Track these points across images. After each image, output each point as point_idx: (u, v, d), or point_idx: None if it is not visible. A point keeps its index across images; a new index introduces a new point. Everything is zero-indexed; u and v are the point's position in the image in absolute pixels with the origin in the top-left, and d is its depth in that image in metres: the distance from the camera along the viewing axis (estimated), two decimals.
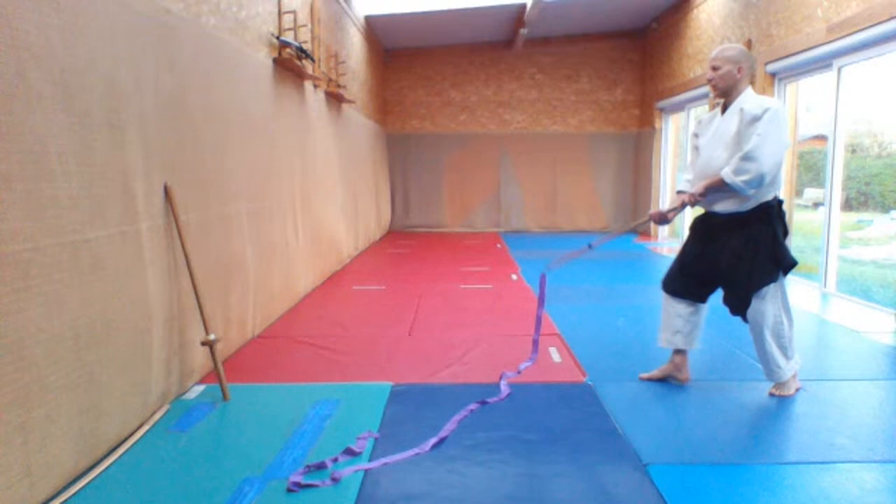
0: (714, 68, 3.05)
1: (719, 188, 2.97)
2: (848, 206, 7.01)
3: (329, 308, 5.18)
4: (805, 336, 4.53)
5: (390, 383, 3.31)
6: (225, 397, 3.11)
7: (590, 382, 3.34)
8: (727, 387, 3.27)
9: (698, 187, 3.07)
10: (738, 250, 3.02)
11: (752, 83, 3.23)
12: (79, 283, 2.34)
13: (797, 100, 6.66)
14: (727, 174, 2.91)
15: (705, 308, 3.30)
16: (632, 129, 11.43)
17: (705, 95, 8.23)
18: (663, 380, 3.36)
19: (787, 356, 3.09)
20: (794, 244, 6.93)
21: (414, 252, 8.78)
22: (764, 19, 6.63)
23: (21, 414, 2.04)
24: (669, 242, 9.84)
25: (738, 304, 3.09)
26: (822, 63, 5.76)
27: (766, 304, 3.03)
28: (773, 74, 6.59)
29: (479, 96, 11.62)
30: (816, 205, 7.34)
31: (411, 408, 3.01)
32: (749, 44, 6.91)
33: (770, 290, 3.03)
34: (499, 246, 9.34)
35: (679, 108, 9.70)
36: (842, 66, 5.52)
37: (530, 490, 2.26)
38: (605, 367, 3.55)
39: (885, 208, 7.19)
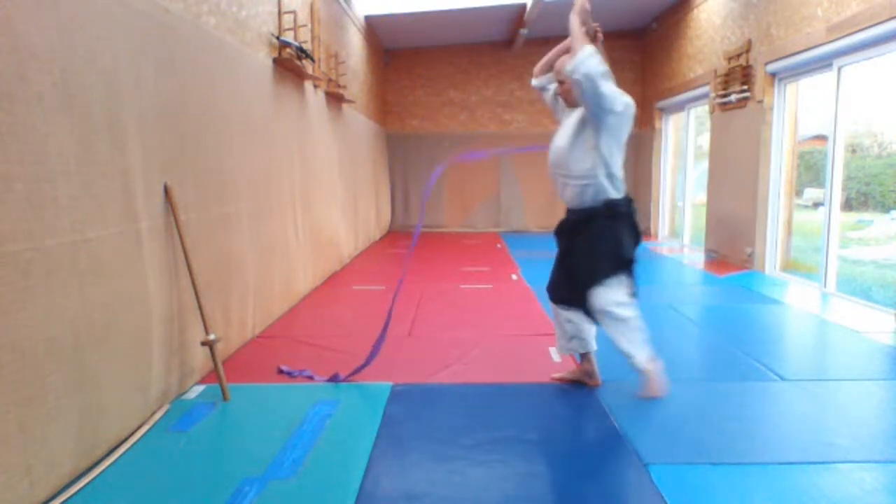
0: (560, 82, 3.11)
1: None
2: (848, 206, 7.01)
3: (329, 308, 5.18)
4: (805, 336, 4.53)
5: (390, 383, 3.31)
6: (225, 397, 3.11)
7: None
8: (727, 387, 3.27)
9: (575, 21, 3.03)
10: (583, 248, 3.07)
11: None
12: (79, 283, 2.34)
13: (797, 100, 6.66)
14: (567, 68, 2.86)
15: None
16: (632, 129, 11.42)
17: (705, 95, 8.23)
18: (576, 382, 3.33)
19: (638, 349, 3.06)
20: (795, 244, 6.93)
21: (414, 252, 8.78)
22: (764, 19, 6.63)
23: (21, 414, 2.04)
24: (669, 242, 9.84)
25: (577, 298, 3.10)
26: (822, 63, 5.76)
27: (602, 295, 3.02)
28: (773, 74, 6.59)
29: (479, 96, 11.62)
30: (816, 205, 7.34)
31: (411, 408, 3.01)
32: (749, 44, 6.91)
33: (608, 284, 3.02)
34: (499, 246, 9.34)
35: (679, 108, 9.69)
36: (842, 66, 5.52)
37: (530, 490, 2.26)
38: (605, 367, 3.55)
39: (885, 208, 7.19)
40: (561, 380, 3.37)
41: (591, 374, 3.31)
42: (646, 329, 3.11)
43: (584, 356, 3.32)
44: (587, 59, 2.81)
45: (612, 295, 3.02)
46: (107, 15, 2.61)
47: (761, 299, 5.44)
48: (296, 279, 5.33)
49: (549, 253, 9.13)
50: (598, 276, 3.02)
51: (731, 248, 7.46)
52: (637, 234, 3.10)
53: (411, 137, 11.67)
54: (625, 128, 2.99)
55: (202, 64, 3.53)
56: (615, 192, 3.02)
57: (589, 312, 3.13)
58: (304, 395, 3.14)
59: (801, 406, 3.03)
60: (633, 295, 3.09)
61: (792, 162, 6.76)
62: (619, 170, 3.02)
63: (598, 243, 3.02)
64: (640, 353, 3.06)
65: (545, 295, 5.59)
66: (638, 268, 3.10)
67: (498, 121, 11.63)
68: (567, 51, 3.13)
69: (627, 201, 3.07)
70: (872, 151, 7.17)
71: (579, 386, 3.31)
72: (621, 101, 2.91)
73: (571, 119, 3.10)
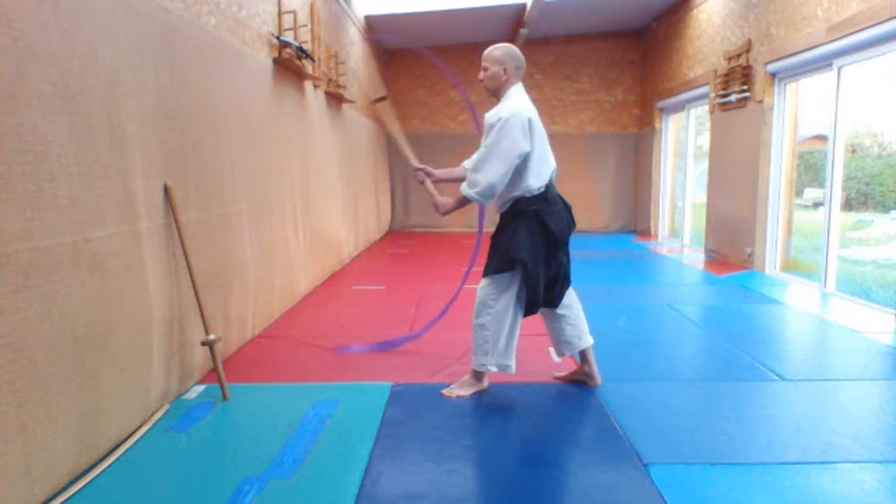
0: (483, 68, 3.10)
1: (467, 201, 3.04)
2: (848, 206, 7.00)
3: (329, 308, 5.18)
4: (805, 336, 4.53)
5: (390, 383, 3.31)
6: (225, 397, 3.11)
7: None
8: (727, 387, 3.27)
9: (449, 201, 3.20)
10: (491, 242, 3.16)
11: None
12: (79, 283, 2.34)
13: (797, 100, 6.67)
14: (464, 188, 3.01)
15: (555, 312, 3.23)
16: (632, 129, 11.43)
17: (705, 95, 8.23)
18: (576, 382, 3.34)
19: (484, 348, 3.08)
20: (795, 244, 6.94)
21: (414, 252, 8.78)
22: (764, 19, 6.63)
23: (21, 414, 2.04)
24: (669, 242, 9.84)
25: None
26: (822, 63, 5.76)
27: (485, 286, 3.09)
28: (773, 74, 6.59)
29: (480, 96, 11.60)
30: (816, 205, 7.34)
31: (411, 408, 3.01)
32: (749, 44, 6.91)
33: (495, 279, 3.06)
34: None
35: (679, 108, 9.70)
36: (842, 66, 5.52)
37: (530, 490, 2.26)
38: (605, 367, 3.55)
39: (885, 208, 7.18)
40: (562, 380, 3.37)
41: (590, 375, 3.31)
42: (505, 344, 3.09)
43: (583, 356, 3.32)
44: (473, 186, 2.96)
45: (486, 293, 3.08)
46: (107, 15, 2.61)
47: (761, 299, 5.44)
48: (296, 279, 5.33)
49: None
50: (492, 267, 3.08)
51: (731, 248, 7.46)
52: (553, 239, 3.06)
53: (411, 137, 11.61)
54: (512, 140, 2.96)
55: (202, 64, 3.53)
56: (530, 193, 3.02)
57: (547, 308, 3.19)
58: (304, 395, 3.14)
59: (801, 406, 3.03)
60: (528, 304, 3.09)
61: (792, 162, 6.76)
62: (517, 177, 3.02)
63: (501, 239, 3.09)
64: (484, 356, 3.09)
65: None
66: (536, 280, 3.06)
67: None
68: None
69: (542, 199, 3.03)
70: (872, 151, 7.17)
71: (579, 386, 3.31)
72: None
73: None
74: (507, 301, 3.08)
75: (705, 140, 8.87)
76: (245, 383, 3.33)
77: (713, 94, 7.78)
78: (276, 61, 4.89)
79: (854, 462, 2.45)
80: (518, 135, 2.92)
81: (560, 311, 3.22)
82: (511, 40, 10.86)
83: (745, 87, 6.94)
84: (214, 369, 3.19)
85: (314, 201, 6.04)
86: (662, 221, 10.48)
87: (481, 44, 11.51)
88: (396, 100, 11.63)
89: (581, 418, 2.90)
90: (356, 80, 8.71)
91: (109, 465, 2.42)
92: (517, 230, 3.01)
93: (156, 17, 3.02)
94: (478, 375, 3.19)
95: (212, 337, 3.18)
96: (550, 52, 11.41)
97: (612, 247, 9.33)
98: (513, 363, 3.11)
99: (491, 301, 3.08)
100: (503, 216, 3.14)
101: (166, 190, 3.06)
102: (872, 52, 5.15)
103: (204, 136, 3.52)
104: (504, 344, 3.09)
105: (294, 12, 5.20)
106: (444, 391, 3.19)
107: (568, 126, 11.53)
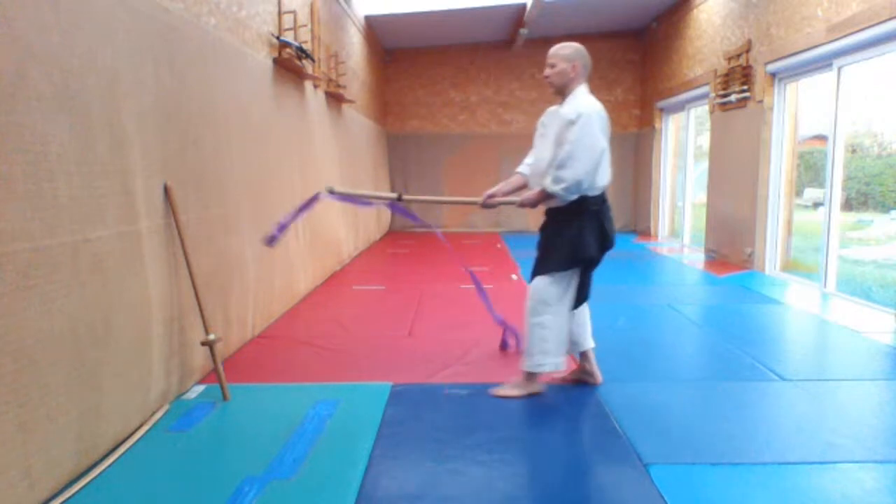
0: (550, 65, 3.09)
1: (548, 196, 3.03)
2: (848, 206, 7.01)
3: (329, 308, 5.18)
4: (805, 336, 4.53)
5: (390, 383, 3.31)
6: (225, 397, 3.11)
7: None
8: (727, 387, 3.27)
9: (531, 196, 3.13)
10: (545, 238, 3.13)
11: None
12: (79, 283, 2.34)
13: (797, 100, 6.66)
14: (548, 185, 2.98)
15: (582, 309, 3.25)
16: (632, 129, 11.43)
17: (705, 95, 8.23)
18: (577, 382, 3.34)
19: (543, 347, 3.08)
20: (795, 244, 6.94)
21: (414, 252, 8.78)
22: (764, 19, 6.63)
23: (21, 414, 2.04)
24: (669, 242, 9.84)
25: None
26: (822, 63, 5.76)
27: (541, 284, 3.07)
28: (773, 74, 6.59)
29: (479, 96, 11.62)
30: (816, 205, 7.34)
31: (411, 408, 3.01)
32: (749, 44, 6.91)
33: (555, 278, 3.05)
34: (499, 246, 9.34)
35: (679, 108, 9.70)
36: (842, 66, 5.52)
37: (530, 490, 2.26)
38: (605, 367, 3.55)
39: (885, 208, 7.19)
40: (563, 380, 3.37)
41: (590, 373, 3.31)
42: (560, 341, 3.10)
43: (583, 355, 3.32)
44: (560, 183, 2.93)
45: (546, 292, 3.06)
46: (107, 15, 2.61)
47: (761, 299, 5.44)
48: (296, 279, 5.33)
49: None
50: (549, 266, 3.06)
51: (731, 248, 7.46)
52: (606, 238, 3.09)
53: (411, 137, 11.67)
54: (596, 136, 2.96)
55: (202, 64, 3.53)
56: (594, 192, 3.02)
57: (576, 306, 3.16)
58: (304, 395, 3.14)
59: (801, 406, 3.03)
60: (576, 302, 3.11)
61: (792, 162, 6.76)
62: (600, 174, 3.02)
63: (559, 237, 3.06)
64: (541, 356, 3.08)
65: None
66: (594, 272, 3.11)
67: (498, 121, 11.63)
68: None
69: (601, 201, 3.06)
70: (872, 151, 7.17)
71: (579, 386, 3.31)
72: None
73: (551, 127, 3.13)
74: (569, 298, 3.09)
75: (705, 140, 8.87)
76: (245, 383, 3.33)
77: (713, 94, 7.78)
78: (276, 61, 4.89)
79: (854, 462, 2.45)
80: (598, 130, 2.95)
81: (576, 311, 3.23)
82: (511, 40, 10.87)
83: (745, 87, 6.94)
84: (214, 369, 3.19)
85: None
86: (662, 221, 10.48)
87: (481, 44, 11.48)
88: (396, 100, 11.64)
89: (581, 418, 2.90)
90: (356, 79, 8.71)
91: (109, 465, 2.42)
92: (582, 228, 3.01)
93: (156, 17, 3.02)
94: (531, 376, 3.16)
95: (212, 337, 3.18)
96: None
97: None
98: (563, 360, 3.14)
99: (553, 299, 3.06)
100: (558, 213, 3.09)
101: (166, 190, 3.06)
102: (872, 52, 5.15)
103: (204, 136, 3.52)
104: (562, 341, 3.11)
105: (294, 12, 5.20)
106: (494, 391, 3.17)
107: None
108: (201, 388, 3.26)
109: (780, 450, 2.56)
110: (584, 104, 2.98)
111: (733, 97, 7.16)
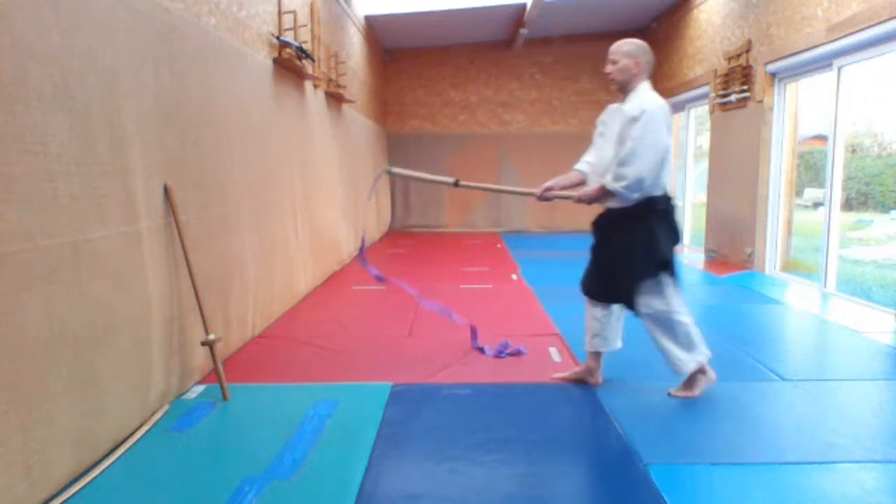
0: (612, 62, 3.06)
1: (608, 192, 2.99)
2: (848, 206, 7.01)
3: (329, 308, 5.18)
4: (805, 336, 4.53)
5: (390, 383, 3.31)
6: (225, 397, 3.11)
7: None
8: (727, 387, 3.27)
9: (589, 192, 3.09)
10: (620, 247, 3.06)
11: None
12: (79, 283, 2.34)
13: (797, 100, 6.66)
14: (609, 182, 2.95)
15: (619, 309, 3.25)
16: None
17: (705, 95, 8.23)
18: (577, 382, 3.33)
19: (685, 349, 3.06)
20: (795, 244, 6.94)
21: (414, 252, 8.78)
22: (764, 19, 6.63)
23: (21, 414, 2.04)
24: None
25: (621, 298, 3.12)
26: (822, 63, 5.75)
27: (647, 298, 3.04)
28: (773, 74, 6.59)
29: (479, 96, 11.61)
30: (816, 205, 7.34)
31: (411, 408, 3.00)
32: (749, 44, 6.91)
33: (652, 286, 3.02)
34: (499, 246, 9.34)
35: (679, 108, 9.69)
36: (842, 66, 5.52)
37: (530, 490, 2.25)
38: (605, 367, 3.55)
39: (885, 208, 7.19)
40: (563, 380, 3.36)
41: (592, 372, 3.30)
42: (693, 332, 3.08)
43: (598, 355, 3.30)
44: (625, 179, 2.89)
45: (655, 302, 3.03)
46: (107, 15, 2.61)
47: (761, 299, 5.44)
48: (296, 279, 5.33)
49: (549, 253, 9.10)
50: (638, 276, 3.00)
51: (731, 248, 7.46)
52: (676, 236, 3.06)
53: (411, 137, 11.66)
54: (659, 133, 2.91)
55: (202, 64, 3.53)
56: (658, 192, 2.97)
57: (630, 307, 3.13)
58: (304, 395, 3.14)
59: (801, 406, 3.03)
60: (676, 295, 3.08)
61: (792, 162, 6.76)
62: (663, 172, 2.98)
63: (635, 243, 2.99)
64: (688, 353, 3.06)
65: (545, 295, 5.61)
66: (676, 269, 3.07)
67: (498, 121, 11.63)
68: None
69: (666, 199, 3.02)
70: (872, 151, 7.17)
71: (579, 386, 3.30)
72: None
73: (612, 124, 3.08)
74: (673, 289, 3.05)
75: (705, 140, 8.87)
76: (245, 383, 3.33)
77: (713, 94, 7.78)
78: (276, 61, 4.88)
79: (854, 462, 2.45)
80: (662, 127, 2.90)
81: (615, 309, 3.24)
82: (511, 40, 10.86)
83: (745, 87, 6.93)
84: (214, 369, 3.19)
85: (314, 201, 6.04)
86: None
87: (481, 44, 11.47)
88: (396, 100, 11.64)
89: (581, 418, 2.89)
90: (356, 79, 8.71)
91: (109, 465, 2.42)
92: (653, 230, 2.97)
93: (156, 17, 3.02)
94: (696, 375, 3.13)
95: (212, 337, 3.18)
96: (550, 52, 11.41)
97: None
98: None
99: (665, 301, 3.03)
100: (624, 215, 3.03)
101: (166, 190, 3.06)
102: (872, 52, 5.15)
103: (204, 136, 3.52)
104: (696, 330, 3.09)
105: (294, 12, 5.20)
106: (673, 390, 3.15)
107: (568, 126, 11.53)
108: (201, 388, 3.26)
109: (780, 450, 2.56)
110: (647, 101, 2.94)
111: (733, 97, 7.16)
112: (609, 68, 3.07)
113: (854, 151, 7.03)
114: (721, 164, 7.77)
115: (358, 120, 8.73)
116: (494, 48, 11.38)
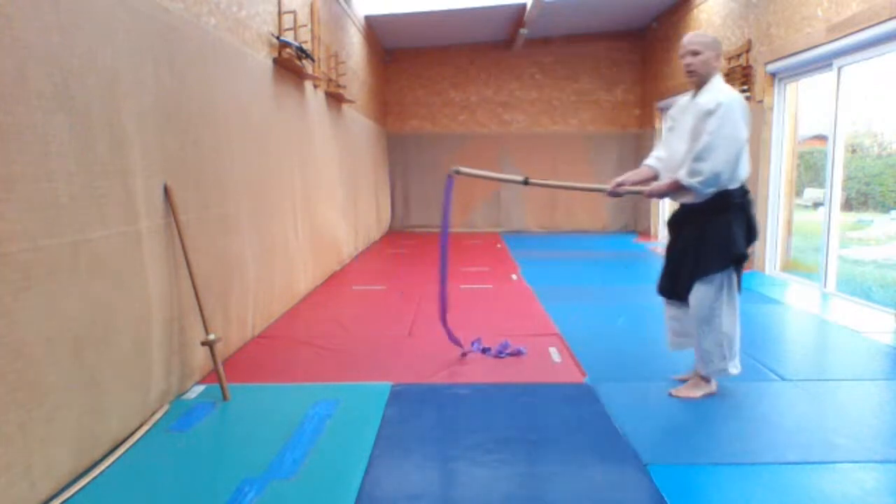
0: (693, 53, 2.96)
1: (680, 187, 2.95)
2: (848, 206, 7.01)
3: (329, 308, 5.18)
4: (805, 336, 4.53)
5: (390, 383, 3.31)
6: (225, 397, 3.11)
7: (590, 382, 3.34)
8: (727, 387, 3.26)
9: (660, 186, 3.06)
10: (691, 238, 3.01)
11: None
12: (79, 283, 2.34)
13: (797, 100, 6.66)
14: (683, 177, 2.90)
15: None
16: (632, 129, 11.43)
17: None
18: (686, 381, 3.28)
19: (723, 354, 3.04)
20: (795, 244, 6.93)
21: (414, 252, 8.78)
22: (764, 19, 6.63)
23: (21, 414, 2.04)
24: None
25: (680, 289, 3.08)
26: (822, 63, 5.75)
27: (708, 293, 2.99)
28: (773, 74, 6.59)
29: (479, 96, 11.61)
30: (816, 205, 7.34)
31: (411, 408, 3.01)
32: (749, 44, 6.91)
33: (716, 280, 2.98)
34: (499, 246, 9.34)
35: None
36: (842, 66, 5.52)
37: (530, 490, 2.26)
38: (605, 367, 3.55)
39: (885, 208, 7.18)
40: (682, 380, 3.28)
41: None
42: (736, 340, 3.07)
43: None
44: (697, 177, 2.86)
45: (713, 297, 2.98)
46: (107, 15, 2.61)
47: (761, 299, 5.44)
48: (296, 279, 5.33)
49: (549, 253, 9.10)
50: (707, 269, 2.95)
51: None
52: (753, 232, 3.01)
53: (411, 137, 11.67)
54: (737, 126, 2.87)
55: (202, 64, 3.53)
56: (734, 185, 2.93)
57: (681, 298, 3.11)
58: (304, 395, 3.14)
59: (801, 406, 3.03)
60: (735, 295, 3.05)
61: (792, 162, 6.76)
62: (740, 165, 2.94)
63: (709, 236, 2.95)
64: (721, 360, 3.04)
65: (545, 295, 5.61)
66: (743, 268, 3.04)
67: (498, 121, 11.63)
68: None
69: (743, 193, 2.97)
70: (872, 151, 7.17)
71: (579, 386, 3.30)
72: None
73: (684, 119, 3.03)
74: (735, 296, 3.03)
75: None
76: (245, 383, 3.33)
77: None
78: (276, 61, 4.89)
79: (854, 462, 2.45)
80: (740, 120, 2.84)
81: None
82: (511, 40, 10.87)
83: (745, 87, 6.93)
84: (214, 369, 3.19)
85: (314, 201, 6.04)
86: (662, 221, 10.48)
87: (481, 44, 11.47)
88: (396, 100, 11.64)
89: (581, 418, 2.89)
90: (356, 79, 8.71)
91: (109, 465, 2.42)
92: (730, 224, 2.92)
93: (156, 17, 3.02)
94: (707, 378, 3.12)
95: (212, 337, 3.18)
96: (550, 52, 11.41)
97: (612, 247, 9.34)
98: (738, 362, 3.11)
99: (721, 302, 2.99)
100: (700, 210, 2.97)
101: (166, 190, 3.06)
102: (872, 52, 5.15)
103: (204, 136, 3.52)
104: (737, 341, 3.06)
105: (294, 12, 5.20)
106: (674, 391, 3.13)
107: (568, 126, 11.53)
108: (201, 388, 3.26)
109: (780, 450, 2.56)
110: (723, 93, 2.88)
111: None
112: (689, 60, 2.96)
113: (854, 151, 7.03)
114: None
115: (358, 120, 8.73)
116: (494, 48, 11.39)
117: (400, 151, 11.64)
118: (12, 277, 2.02)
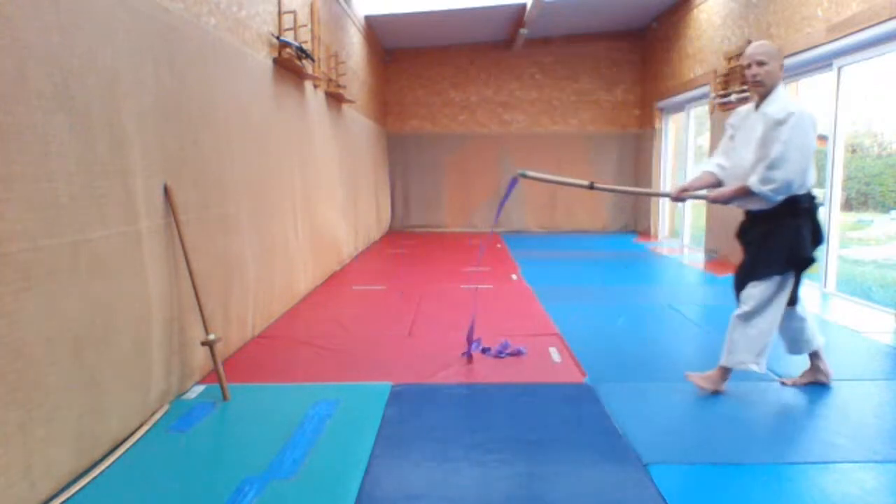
0: (759, 63, 3.00)
1: (747, 194, 2.97)
2: (848, 206, 7.00)
3: (329, 308, 5.18)
4: None
5: (390, 383, 3.31)
6: (225, 397, 3.11)
7: (590, 382, 3.34)
8: (727, 387, 3.26)
9: (725, 192, 3.09)
10: (758, 240, 3.05)
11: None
12: (79, 283, 2.34)
13: (797, 100, 6.66)
14: (754, 184, 2.92)
15: (796, 310, 3.20)
16: (632, 129, 11.43)
17: (705, 95, 8.23)
18: (809, 384, 3.29)
19: (749, 346, 3.05)
20: None
21: (414, 252, 8.78)
22: (764, 19, 6.63)
23: (21, 414, 2.04)
24: (669, 242, 9.84)
25: (738, 286, 3.12)
26: (822, 63, 5.75)
27: (759, 290, 3.01)
28: None
29: (479, 96, 11.61)
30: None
31: (411, 408, 3.01)
32: (749, 44, 6.90)
33: (773, 281, 2.99)
34: (499, 246, 9.34)
35: (679, 108, 9.69)
36: (842, 66, 5.52)
37: (530, 490, 2.26)
38: (605, 367, 3.55)
39: (885, 208, 7.18)
40: (793, 383, 3.29)
41: (823, 371, 3.27)
42: (770, 344, 3.08)
43: (815, 354, 3.27)
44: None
45: (763, 296, 3.00)
46: (107, 15, 2.61)
47: None
48: (296, 279, 5.33)
49: (549, 253, 9.10)
50: (765, 269, 2.99)
51: (731, 248, 7.46)
52: (819, 237, 3.04)
53: (411, 137, 11.67)
54: (808, 136, 2.92)
55: (202, 64, 3.53)
56: (802, 191, 2.96)
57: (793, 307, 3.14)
58: (304, 395, 3.14)
59: (801, 406, 3.03)
60: (791, 302, 3.08)
61: None
62: (810, 173, 2.98)
63: (774, 238, 2.99)
64: (749, 355, 3.05)
65: (545, 295, 5.61)
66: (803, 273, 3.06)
67: (498, 121, 11.63)
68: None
69: (811, 199, 3.01)
70: (872, 151, 7.17)
71: (579, 386, 3.31)
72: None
73: (751, 128, 3.05)
74: (784, 301, 3.05)
75: (705, 140, 8.87)
76: (245, 383, 3.33)
77: (713, 94, 7.78)
78: (276, 61, 4.89)
79: (854, 462, 2.45)
80: (811, 130, 2.90)
81: (798, 310, 3.20)
82: (511, 40, 10.87)
83: (745, 87, 6.93)
84: (214, 369, 3.19)
85: (314, 201, 6.04)
86: (662, 221, 10.48)
87: (481, 44, 11.45)
88: (396, 100, 11.64)
89: (581, 418, 2.89)
90: (356, 79, 8.71)
91: (109, 465, 2.42)
92: (799, 228, 2.96)
93: (156, 17, 3.02)
94: (725, 373, 3.15)
95: (212, 337, 3.18)
96: (550, 52, 11.41)
97: (612, 247, 9.34)
98: (766, 364, 3.14)
99: (769, 303, 3.01)
100: (768, 216, 3.01)
101: (166, 190, 3.06)
102: (872, 52, 5.15)
103: (204, 136, 3.52)
104: (769, 345, 3.08)
105: (294, 12, 5.20)
106: (689, 375, 3.19)
107: (568, 126, 11.53)
108: (201, 388, 3.26)
109: (780, 450, 2.56)
110: (792, 103, 2.93)
111: (733, 97, 7.16)
112: (756, 70, 3.01)
113: (854, 151, 7.03)
114: None
115: (358, 120, 8.73)
116: (494, 48, 11.39)
117: (400, 151, 11.64)
118: (12, 277, 2.02)
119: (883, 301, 5.18)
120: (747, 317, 3.05)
